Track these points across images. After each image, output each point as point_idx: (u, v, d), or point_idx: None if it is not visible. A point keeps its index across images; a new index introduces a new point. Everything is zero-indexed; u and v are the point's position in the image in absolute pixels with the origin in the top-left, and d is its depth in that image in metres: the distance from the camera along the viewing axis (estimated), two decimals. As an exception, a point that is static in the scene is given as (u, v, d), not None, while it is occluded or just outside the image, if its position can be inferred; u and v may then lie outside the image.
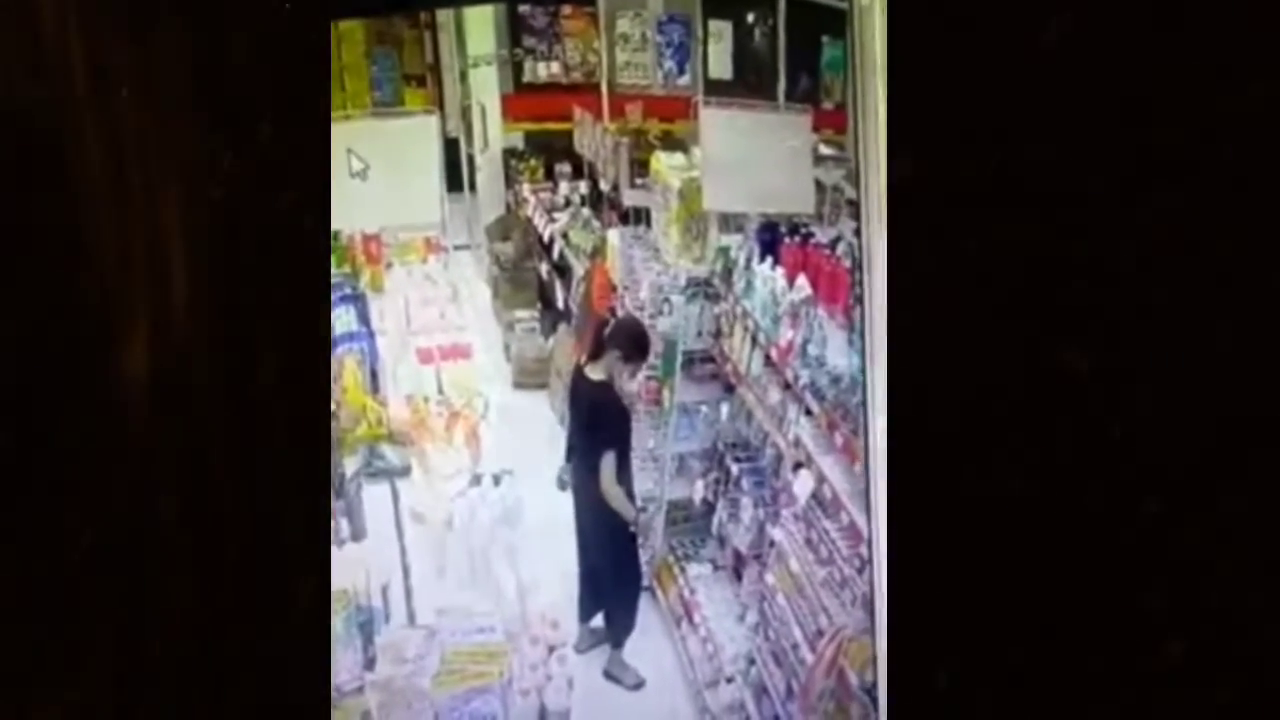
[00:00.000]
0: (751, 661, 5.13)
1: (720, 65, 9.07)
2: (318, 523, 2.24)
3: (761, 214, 5.55)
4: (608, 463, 5.41)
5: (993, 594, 2.13)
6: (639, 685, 5.83)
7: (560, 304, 8.88)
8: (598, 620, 6.02)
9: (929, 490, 2.15)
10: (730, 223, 5.96)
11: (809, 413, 4.67)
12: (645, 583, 6.25)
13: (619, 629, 5.92)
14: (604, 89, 9.12)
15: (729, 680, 5.29)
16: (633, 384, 5.86)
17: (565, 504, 5.87)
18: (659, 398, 6.14)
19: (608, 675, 5.85)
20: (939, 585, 2.16)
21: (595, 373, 5.59)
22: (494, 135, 11.18)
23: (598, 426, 5.56)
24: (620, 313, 6.70)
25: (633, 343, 5.66)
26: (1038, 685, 2.13)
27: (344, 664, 4.36)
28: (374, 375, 5.50)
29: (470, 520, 5.26)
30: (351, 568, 4.56)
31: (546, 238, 9.20)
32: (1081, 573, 2.10)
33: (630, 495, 5.72)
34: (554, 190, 10.00)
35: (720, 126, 5.36)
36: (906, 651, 2.19)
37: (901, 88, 2.14)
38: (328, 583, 2.28)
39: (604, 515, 5.59)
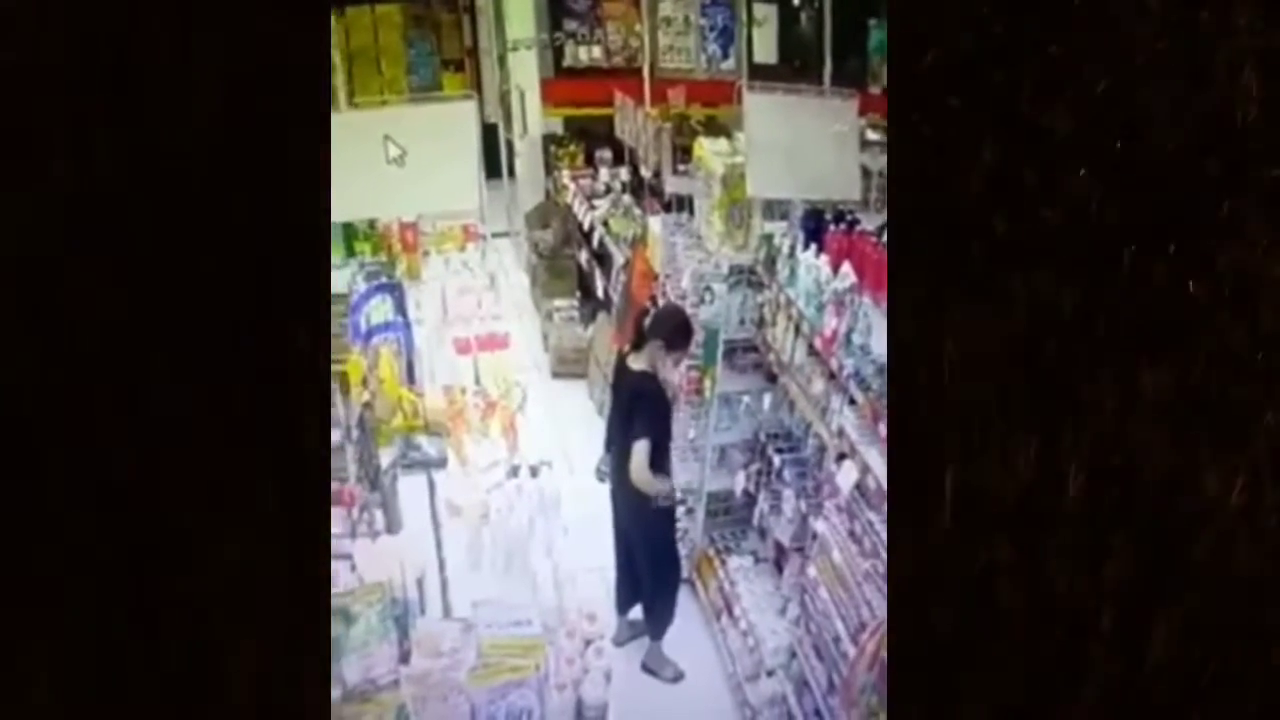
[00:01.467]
0: (793, 655, 5.08)
1: (765, 49, 9.01)
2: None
3: (806, 200, 5.50)
4: (640, 451, 5.34)
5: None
6: (678, 678, 5.80)
7: (600, 293, 8.83)
8: (636, 613, 5.98)
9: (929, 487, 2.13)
10: (774, 210, 5.92)
11: (853, 403, 4.60)
12: (685, 575, 6.22)
13: (658, 621, 5.87)
14: (646, 73, 9.07)
15: (770, 674, 5.25)
16: (676, 373, 5.79)
17: (604, 496, 5.83)
18: (700, 388, 6.09)
19: (645, 668, 5.82)
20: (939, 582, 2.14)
21: (637, 362, 5.52)
22: (533, 121, 11.15)
23: (636, 415, 5.49)
24: (661, 301, 6.64)
25: (676, 331, 5.57)
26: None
27: (379, 657, 4.33)
28: (410, 366, 5.46)
29: (507, 512, 5.20)
30: (387, 560, 4.53)
31: (586, 225, 9.16)
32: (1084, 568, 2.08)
33: (671, 487, 5.65)
34: (594, 177, 9.96)
35: (764, 111, 5.31)
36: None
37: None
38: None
39: (642, 506, 5.52)
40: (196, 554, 2.15)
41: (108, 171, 2.05)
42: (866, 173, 5.30)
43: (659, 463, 5.48)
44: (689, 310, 5.94)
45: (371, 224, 6.08)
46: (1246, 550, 2.08)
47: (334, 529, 5.05)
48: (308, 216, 2.13)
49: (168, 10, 2.05)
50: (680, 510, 6.09)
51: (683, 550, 6.20)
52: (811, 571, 4.86)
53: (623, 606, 5.99)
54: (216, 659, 2.18)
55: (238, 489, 2.13)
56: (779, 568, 5.62)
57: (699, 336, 5.97)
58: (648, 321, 5.73)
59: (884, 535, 4.21)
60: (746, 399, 5.97)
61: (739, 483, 5.93)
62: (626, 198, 9.14)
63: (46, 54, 2.02)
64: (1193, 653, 2.08)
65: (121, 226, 2.05)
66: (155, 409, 2.09)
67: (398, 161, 4.74)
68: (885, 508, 4.18)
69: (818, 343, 4.94)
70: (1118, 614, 2.10)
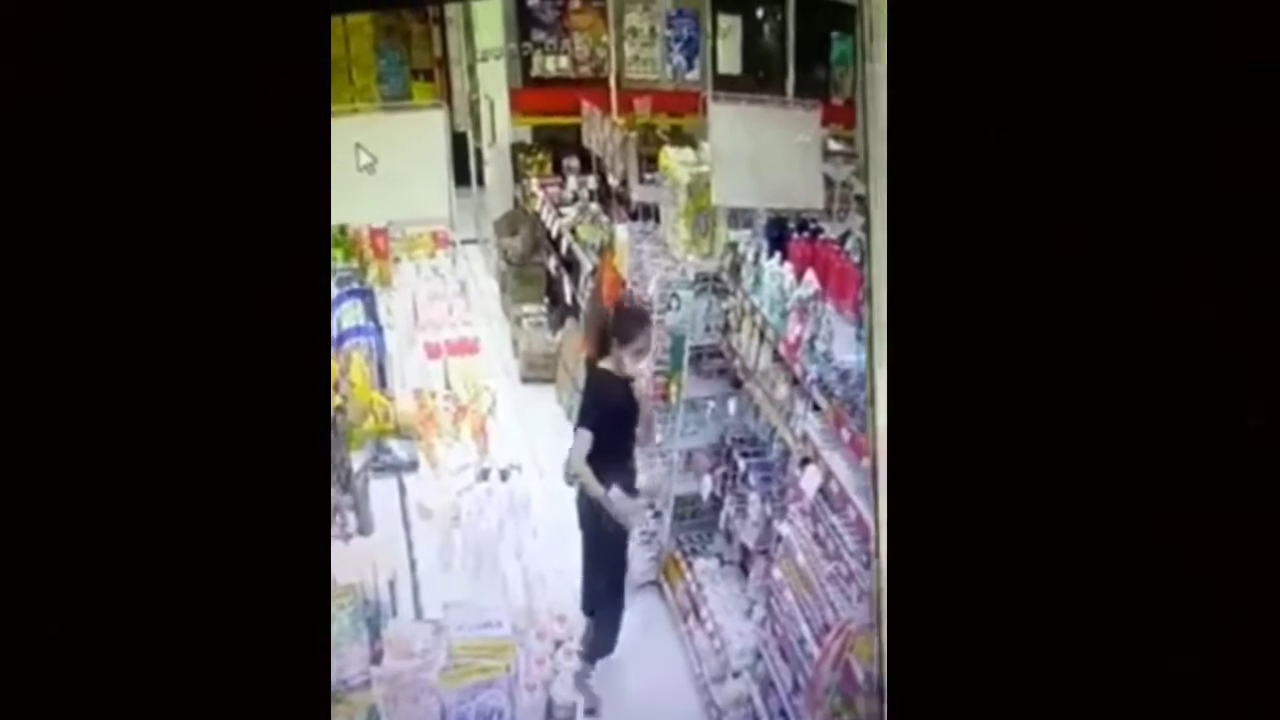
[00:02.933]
0: (758, 656, 5.14)
1: (729, 60, 9.05)
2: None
3: (770, 209, 5.55)
4: (581, 439, 5.38)
5: (992, 591, 2.13)
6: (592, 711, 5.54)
7: (568, 299, 8.87)
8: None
9: (929, 486, 2.15)
10: (739, 218, 5.96)
11: (817, 408, 4.67)
12: (650, 578, 6.26)
13: (597, 640, 5.70)
14: (613, 84, 9.11)
15: (736, 675, 5.30)
16: (639, 366, 5.73)
17: (573, 499, 5.86)
18: (666, 393, 6.15)
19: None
20: (939, 582, 2.16)
21: (604, 363, 5.57)
22: (502, 129, 11.16)
23: (586, 407, 5.58)
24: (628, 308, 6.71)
25: (627, 322, 5.62)
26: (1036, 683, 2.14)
27: (350, 658, 4.38)
28: (381, 370, 5.50)
29: (477, 515, 5.24)
30: (358, 562, 4.58)
31: (554, 233, 9.19)
32: (1081, 567, 2.11)
33: (631, 490, 5.67)
34: (562, 185, 9.98)
35: (729, 122, 5.36)
36: (908, 646, 2.19)
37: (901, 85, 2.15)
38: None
39: (593, 514, 5.55)
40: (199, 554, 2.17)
41: (109, 170, 2.07)
42: (829, 182, 5.35)
43: (616, 469, 5.50)
44: (655, 317, 6.00)
45: (342, 230, 6.10)
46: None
47: (307, 532, 5.11)
48: (306, 219, 2.16)
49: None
50: (648, 513, 6.13)
51: (650, 553, 6.25)
52: (776, 574, 4.93)
53: (587, 608, 6.02)
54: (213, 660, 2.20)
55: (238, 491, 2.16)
56: (745, 570, 5.66)
57: (665, 343, 6.04)
58: (610, 328, 5.74)
59: (848, 539, 4.29)
60: (712, 404, 6.02)
61: (705, 486, 5.98)
62: (594, 206, 9.17)
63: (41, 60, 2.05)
64: (1204, 661, 2.10)
65: (119, 226, 2.08)
66: (147, 411, 2.12)
67: (368, 169, 4.76)
68: (849, 511, 4.27)
69: (782, 349, 5.00)
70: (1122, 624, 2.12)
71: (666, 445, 6.19)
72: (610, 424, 5.52)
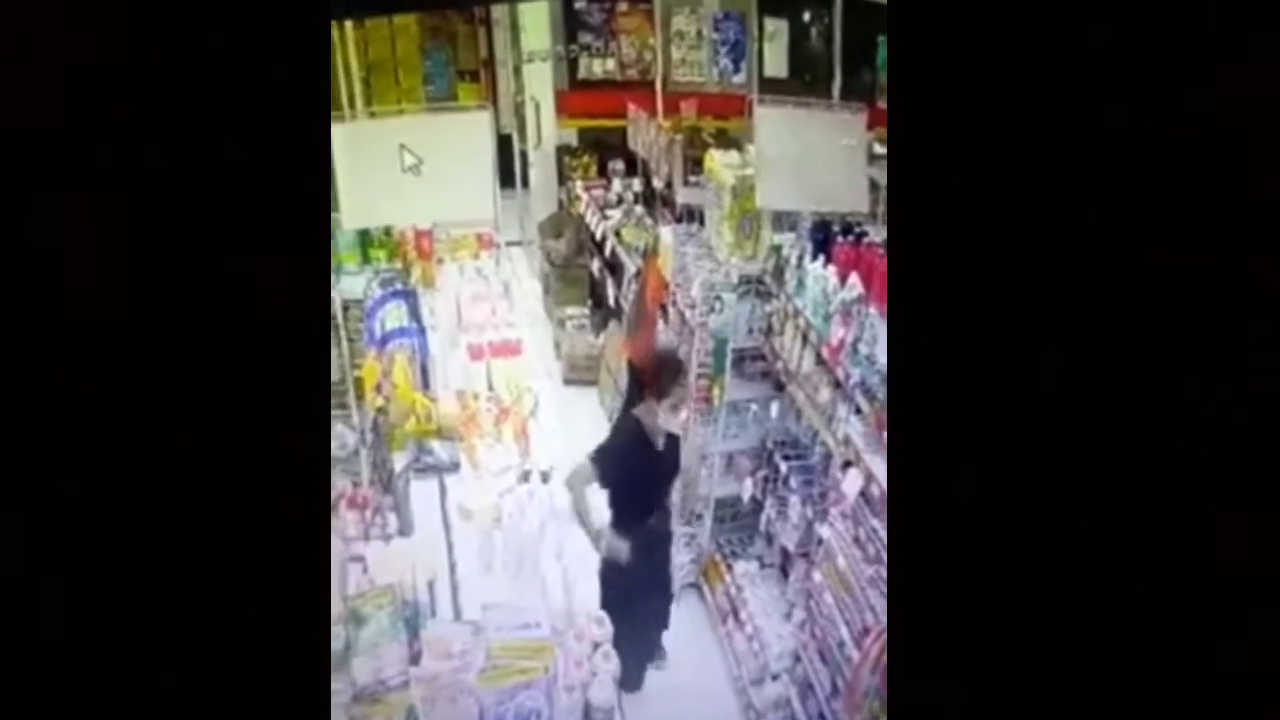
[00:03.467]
0: (797, 659, 5.13)
1: (776, 63, 9.07)
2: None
3: (814, 212, 5.54)
4: (581, 472, 5.31)
5: (994, 594, 2.13)
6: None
7: (611, 301, 8.89)
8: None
9: (931, 491, 2.15)
10: (783, 221, 5.96)
11: (859, 411, 4.66)
12: (690, 580, 6.27)
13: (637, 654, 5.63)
14: (658, 86, 9.12)
15: (774, 677, 5.30)
16: (678, 419, 5.52)
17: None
18: (709, 395, 6.14)
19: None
20: (940, 584, 2.15)
21: (638, 411, 5.40)
22: (548, 132, 11.21)
23: (607, 454, 5.39)
24: (672, 310, 6.70)
25: (663, 375, 5.38)
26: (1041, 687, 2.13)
27: (389, 659, 4.39)
28: (424, 371, 5.52)
29: (518, 517, 5.24)
30: (398, 563, 4.58)
31: (599, 235, 9.21)
32: (1085, 575, 2.10)
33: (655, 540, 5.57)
34: (607, 187, 10.00)
35: (775, 124, 5.36)
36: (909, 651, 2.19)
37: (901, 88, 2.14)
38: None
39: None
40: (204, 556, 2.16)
41: (107, 167, 2.07)
42: (874, 185, 5.34)
43: (629, 513, 5.42)
44: (698, 320, 5.99)
45: (387, 231, 6.13)
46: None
47: (348, 531, 5.14)
48: (309, 220, 2.16)
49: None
50: (690, 515, 6.14)
51: (690, 555, 6.26)
52: (816, 577, 4.91)
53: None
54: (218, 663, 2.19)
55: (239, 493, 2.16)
56: (785, 573, 5.67)
57: (708, 345, 6.03)
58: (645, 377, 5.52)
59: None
60: (754, 407, 6.02)
61: (746, 489, 5.98)
62: (638, 208, 9.18)
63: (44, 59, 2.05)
64: (1205, 664, 2.08)
65: (120, 226, 2.08)
66: (150, 412, 2.11)
67: (414, 170, 4.79)
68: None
69: (825, 352, 4.99)
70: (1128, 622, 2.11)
71: (708, 448, 6.19)
72: (629, 476, 5.39)
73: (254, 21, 2.08)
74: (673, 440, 5.47)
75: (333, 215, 5.42)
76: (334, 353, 5.29)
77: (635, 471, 5.40)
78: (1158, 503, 2.08)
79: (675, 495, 5.76)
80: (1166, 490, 2.07)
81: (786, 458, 5.58)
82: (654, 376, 5.39)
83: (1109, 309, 2.06)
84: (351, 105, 5.48)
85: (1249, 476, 2.04)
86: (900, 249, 2.17)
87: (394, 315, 5.51)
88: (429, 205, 4.96)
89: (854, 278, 4.83)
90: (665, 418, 5.34)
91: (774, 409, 5.98)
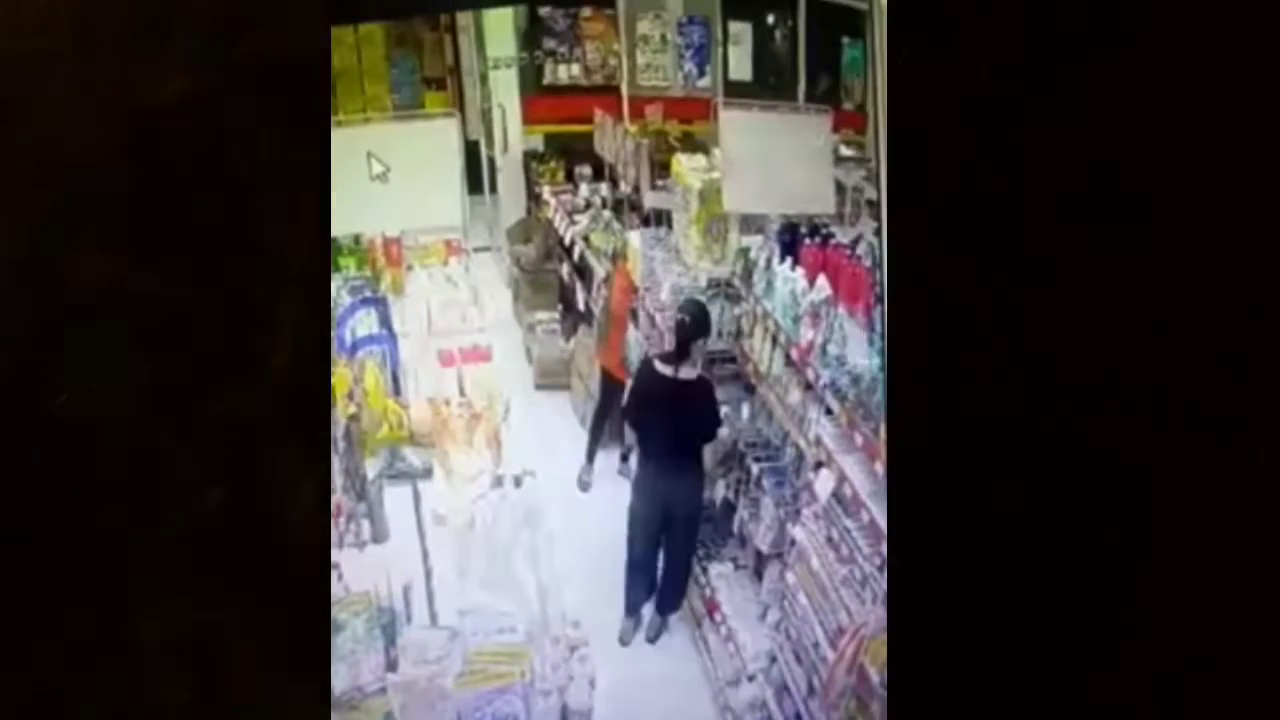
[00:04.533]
0: (773, 659, 5.14)
1: (740, 67, 9.09)
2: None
3: (782, 215, 5.57)
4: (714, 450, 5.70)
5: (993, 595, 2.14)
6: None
7: (581, 306, 8.89)
8: (646, 610, 6.18)
9: (931, 493, 2.16)
10: (750, 224, 5.99)
11: (829, 412, 4.68)
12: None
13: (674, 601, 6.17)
14: (624, 91, 9.14)
15: (750, 678, 5.32)
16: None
17: (586, 505, 5.91)
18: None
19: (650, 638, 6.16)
20: (940, 588, 2.16)
21: (689, 372, 5.69)
22: (514, 138, 11.23)
23: (700, 419, 5.76)
24: (641, 314, 6.73)
25: (708, 319, 5.83)
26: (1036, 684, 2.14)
27: (366, 665, 4.40)
28: (395, 378, 5.52)
29: (492, 522, 5.26)
30: (373, 569, 4.60)
31: (567, 240, 9.22)
32: (1077, 574, 2.11)
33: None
34: (574, 192, 10.01)
35: (740, 128, 5.38)
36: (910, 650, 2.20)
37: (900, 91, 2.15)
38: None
39: (696, 488, 5.82)
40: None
41: (106, 166, 2.08)
42: (840, 187, 5.37)
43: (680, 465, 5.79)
44: (668, 324, 6.03)
45: (356, 239, 6.13)
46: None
47: (321, 539, 5.13)
48: (306, 224, 2.18)
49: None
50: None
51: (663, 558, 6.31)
52: (790, 578, 4.93)
53: (634, 607, 6.16)
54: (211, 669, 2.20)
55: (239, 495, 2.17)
56: (759, 574, 5.68)
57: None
58: (683, 327, 5.79)
59: (862, 542, 4.30)
60: (725, 408, 6.04)
61: (719, 491, 6.00)
62: (606, 213, 9.18)
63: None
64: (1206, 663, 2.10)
65: (118, 229, 2.09)
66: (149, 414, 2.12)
67: (381, 178, 4.79)
68: (863, 515, 4.28)
69: (794, 353, 5.02)
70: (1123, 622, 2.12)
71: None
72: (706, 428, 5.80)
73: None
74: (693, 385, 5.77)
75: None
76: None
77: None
78: (1156, 501, 2.09)
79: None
80: (1166, 490, 2.08)
81: (758, 459, 5.60)
82: (705, 321, 5.78)
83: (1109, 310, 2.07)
84: (318, 114, 5.45)
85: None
86: (898, 253, 2.18)
87: (364, 323, 5.51)
88: (397, 212, 4.96)
89: (822, 279, 4.87)
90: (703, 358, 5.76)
91: (745, 411, 6.00)
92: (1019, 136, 2.09)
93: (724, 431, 5.85)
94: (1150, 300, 2.07)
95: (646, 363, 5.96)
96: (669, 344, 5.88)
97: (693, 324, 5.73)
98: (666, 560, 6.05)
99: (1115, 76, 2.06)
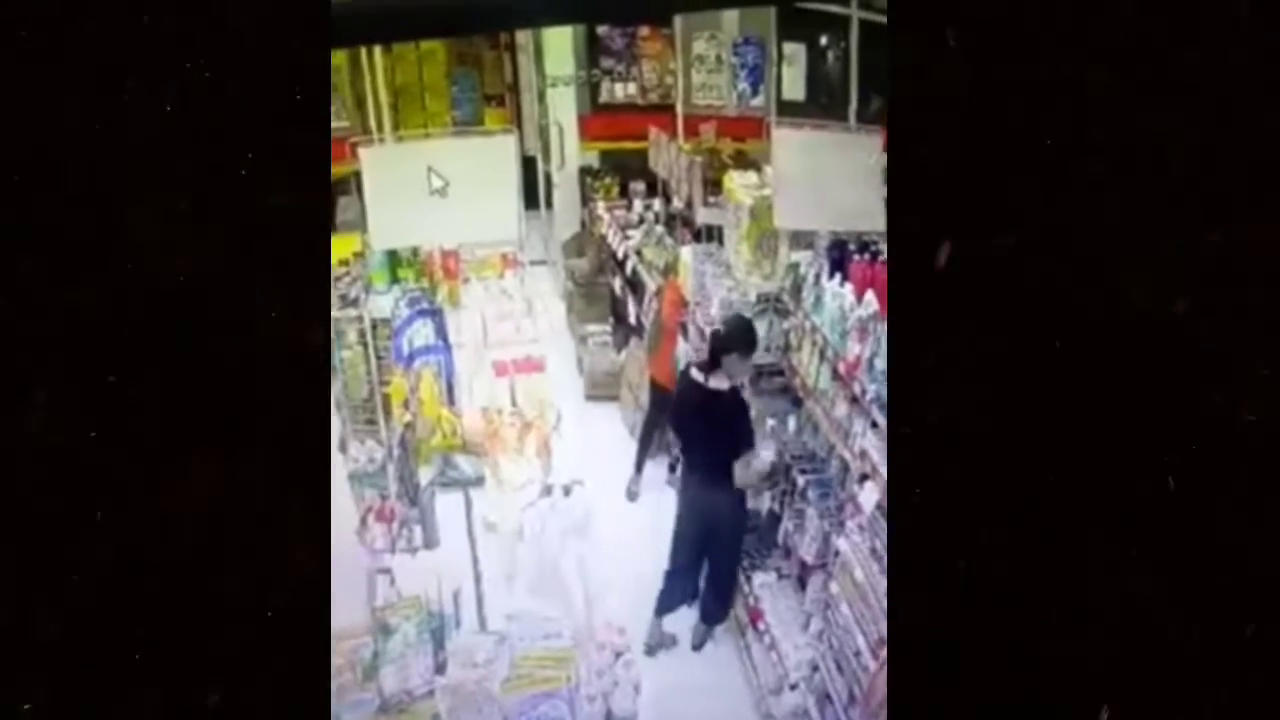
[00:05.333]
0: (815, 668, 5.19)
1: (793, 86, 9.14)
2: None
3: (831, 231, 5.60)
4: (744, 462, 5.68)
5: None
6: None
7: (632, 319, 8.95)
8: (670, 623, 6.20)
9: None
10: (801, 240, 6.03)
11: (875, 426, 4.72)
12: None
13: (720, 613, 6.23)
14: (679, 109, 9.21)
15: (793, 687, 5.35)
16: (748, 374, 6.02)
17: (634, 514, 5.97)
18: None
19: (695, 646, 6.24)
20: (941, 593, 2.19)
21: (719, 382, 5.72)
22: (571, 154, 11.31)
23: (732, 433, 5.73)
24: (691, 328, 6.79)
25: (747, 335, 5.82)
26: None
27: (415, 668, 4.48)
28: (450, 387, 5.60)
29: (541, 530, 5.32)
30: (424, 574, 4.68)
31: (620, 254, 9.28)
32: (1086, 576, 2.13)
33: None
34: (628, 208, 10.10)
35: (792, 146, 5.42)
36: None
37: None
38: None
39: (728, 511, 5.86)
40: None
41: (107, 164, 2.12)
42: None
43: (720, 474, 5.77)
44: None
45: (415, 252, 6.21)
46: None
47: (375, 544, 5.24)
48: (307, 223, 2.21)
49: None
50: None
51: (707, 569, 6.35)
52: (834, 588, 4.97)
53: (665, 609, 6.21)
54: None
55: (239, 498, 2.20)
56: (802, 584, 5.69)
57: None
58: (717, 338, 5.86)
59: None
60: (772, 421, 6.07)
61: (764, 502, 6.05)
62: (659, 228, 9.26)
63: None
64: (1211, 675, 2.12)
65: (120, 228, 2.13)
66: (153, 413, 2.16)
67: (440, 192, 4.84)
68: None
69: (841, 368, 5.06)
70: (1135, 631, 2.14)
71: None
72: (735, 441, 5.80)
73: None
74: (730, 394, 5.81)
75: (362, 236, 5.53)
76: (362, 370, 5.38)
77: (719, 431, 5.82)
78: (1159, 503, 2.11)
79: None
80: (1168, 493, 2.11)
81: (804, 471, 5.63)
82: (744, 336, 5.81)
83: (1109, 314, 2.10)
84: (380, 129, 5.56)
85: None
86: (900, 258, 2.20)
87: (421, 333, 5.58)
88: (455, 226, 5.01)
89: (870, 295, 4.90)
90: (745, 374, 5.89)
91: (791, 423, 6.03)
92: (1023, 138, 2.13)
93: (768, 455, 5.88)
94: (1153, 301, 2.08)
95: (685, 370, 6.05)
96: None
97: (726, 336, 5.80)
98: (709, 571, 6.10)
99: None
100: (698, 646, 6.22)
